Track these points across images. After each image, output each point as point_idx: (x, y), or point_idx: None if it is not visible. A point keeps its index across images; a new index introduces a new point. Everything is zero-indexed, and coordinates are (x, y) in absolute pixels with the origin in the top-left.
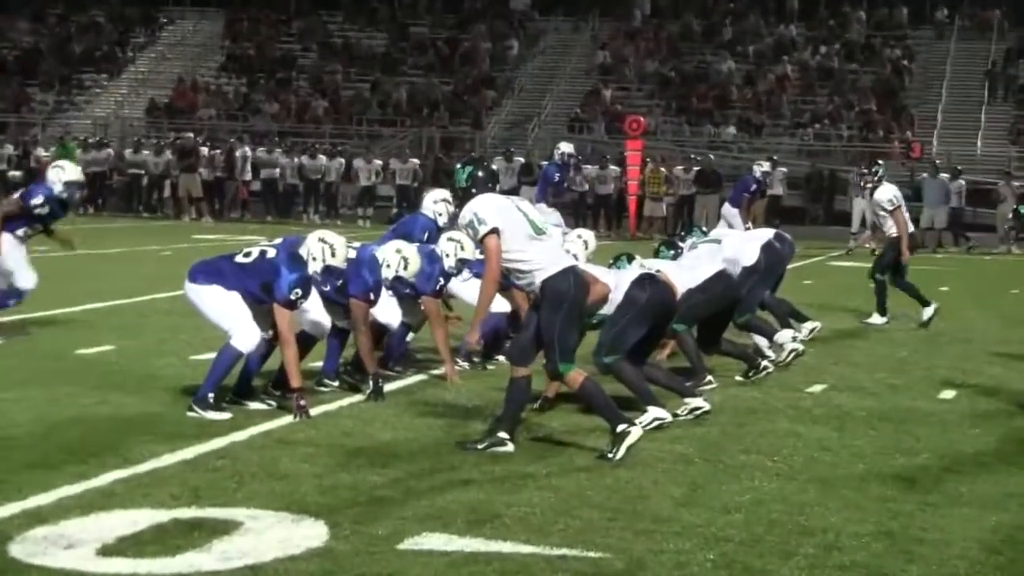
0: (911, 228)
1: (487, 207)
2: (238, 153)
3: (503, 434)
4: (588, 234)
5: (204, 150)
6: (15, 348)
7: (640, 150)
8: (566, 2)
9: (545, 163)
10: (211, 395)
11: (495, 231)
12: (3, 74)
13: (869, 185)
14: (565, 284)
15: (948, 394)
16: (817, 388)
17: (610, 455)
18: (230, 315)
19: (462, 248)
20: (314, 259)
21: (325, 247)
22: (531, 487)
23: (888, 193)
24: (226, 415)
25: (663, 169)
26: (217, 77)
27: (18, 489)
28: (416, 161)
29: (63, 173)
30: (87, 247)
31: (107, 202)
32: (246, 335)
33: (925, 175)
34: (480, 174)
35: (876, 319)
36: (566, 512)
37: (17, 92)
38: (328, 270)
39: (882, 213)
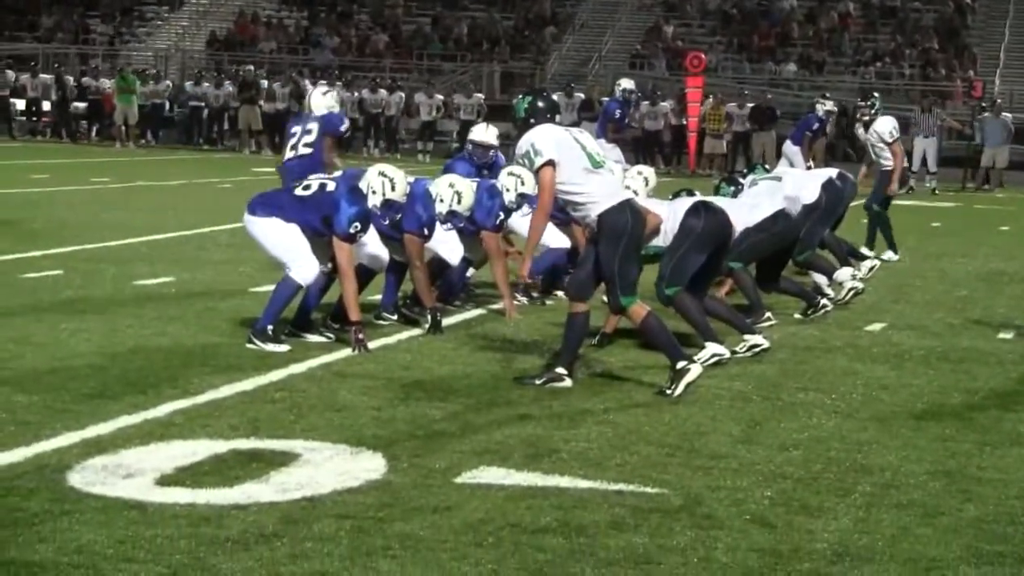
0: (906, 163)
1: (545, 138)
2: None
3: (561, 369)
4: (648, 170)
5: (264, 83)
6: (75, 279)
7: (701, 87)
8: None
9: (606, 99)
10: (270, 327)
11: (551, 163)
12: (64, 5)
13: (866, 117)
14: (623, 218)
15: (1007, 335)
16: (876, 327)
17: (668, 391)
18: (289, 248)
19: (522, 183)
20: (374, 192)
21: (385, 180)
22: (589, 422)
23: (888, 124)
24: (284, 347)
25: (723, 106)
26: (278, 10)
27: (77, 418)
28: (480, 96)
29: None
30: (147, 179)
31: (167, 134)
32: (305, 268)
33: (987, 114)
34: (540, 104)
35: (890, 255)
36: (623, 448)
37: (77, 23)
38: (388, 204)
39: (880, 145)
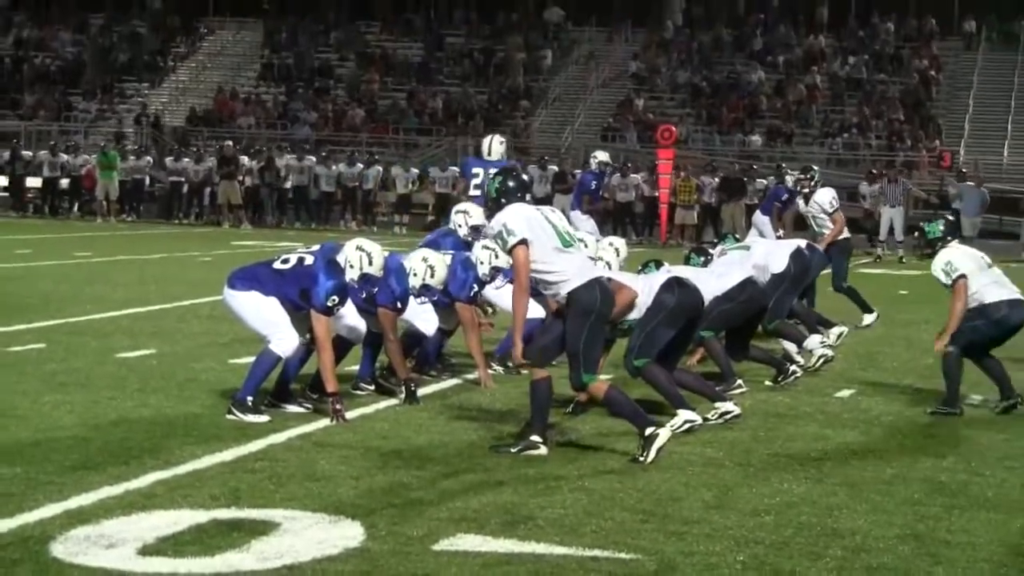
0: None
1: (516, 218)
2: (279, 162)
3: (535, 437)
4: (620, 242)
5: (244, 159)
6: (58, 352)
7: (672, 159)
8: (599, 12)
9: (579, 172)
10: (250, 398)
11: (524, 242)
12: (47, 83)
13: (806, 190)
14: (592, 296)
15: (975, 398)
16: (845, 393)
17: (641, 458)
18: (269, 320)
19: (496, 256)
20: (351, 267)
21: (363, 255)
22: (564, 489)
23: (828, 195)
24: (264, 418)
25: (693, 178)
26: (256, 86)
27: (60, 490)
28: (455, 169)
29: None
30: (128, 253)
31: (147, 209)
32: (285, 340)
33: (968, 183)
34: (510, 184)
35: (867, 318)
36: (598, 514)
37: (59, 101)
38: (365, 278)
39: (822, 216)
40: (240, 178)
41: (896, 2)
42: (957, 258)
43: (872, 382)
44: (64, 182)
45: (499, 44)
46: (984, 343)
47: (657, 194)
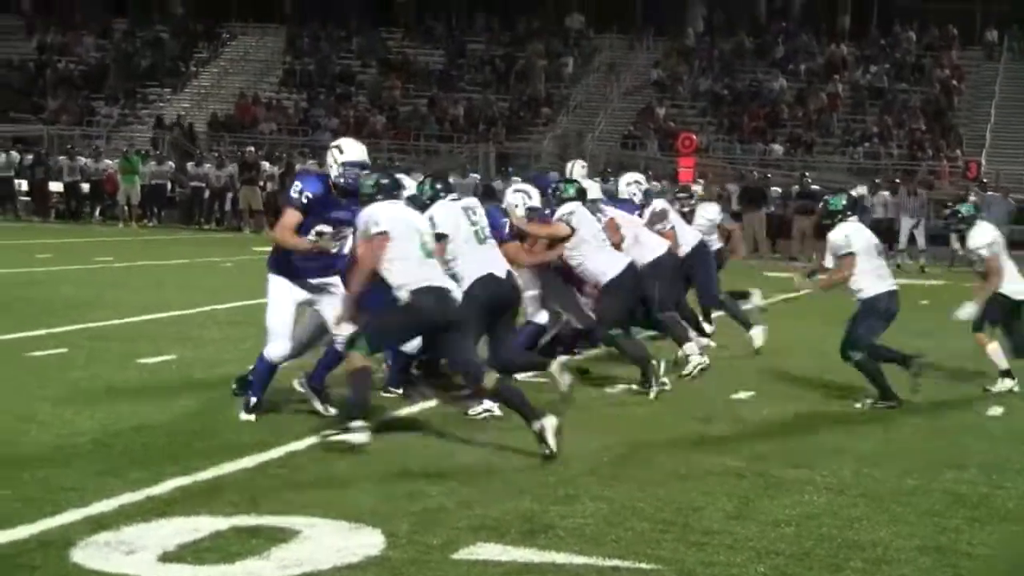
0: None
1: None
2: (300, 168)
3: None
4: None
5: (265, 164)
6: (79, 357)
7: (692, 167)
8: (620, 20)
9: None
10: (253, 400)
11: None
12: (69, 88)
13: (686, 209)
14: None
15: (996, 410)
16: (865, 403)
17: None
18: (273, 318)
19: (529, 197)
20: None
21: (334, 151)
22: (584, 498)
23: (714, 210)
24: (250, 417)
25: (714, 187)
26: (278, 92)
27: (81, 496)
28: (476, 176)
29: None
30: (149, 258)
31: (168, 214)
32: (276, 345)
33: (991, 193)
34: (384, 182)
35: (756, 338)
36: (618, 523)
37: (82, 106)
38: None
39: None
40: (261, 183)
41: (918, 11)
42: (853, 234)
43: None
44: (85, 187)
45: (520, 51)
46: (876, 336)
47: None
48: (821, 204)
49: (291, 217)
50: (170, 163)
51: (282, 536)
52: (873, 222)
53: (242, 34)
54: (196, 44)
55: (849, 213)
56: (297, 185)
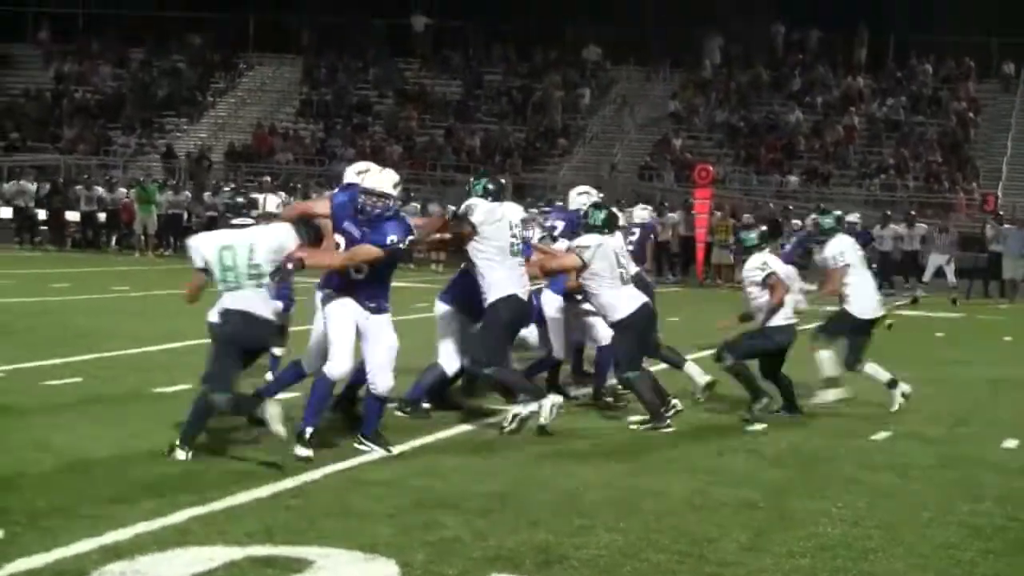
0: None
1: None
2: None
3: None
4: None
5: (281, 194)
6: (94, 386)
7: (709, 199)
8: (637, 52)
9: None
10: (310, 430)
11: None
12: (86, 117)
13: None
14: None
15: (1011, 443)
16: (881, 435)
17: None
18: (337, 334)
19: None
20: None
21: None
22: (599, 529)
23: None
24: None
25: (732, 219)
26: (295, 122)
27: (95, 524)
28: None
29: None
30: (165, 287)
31: (184, 244)
32: (340, 363)
33: (1008, 226)
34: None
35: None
36: (634, 555)
37: (99, 135)
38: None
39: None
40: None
41: (935, 44)
42: (771, 260)
43: (908, 424)
44: (101, 216)
45: (537, 82)
46: (755, 356)
47: (694, 233)
48: (734, 240)
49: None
50: (187, 192)
51: (297, 566)
52: (882, 255)
53: (259, 64)
54: (213, 74)
55: (763, 245)
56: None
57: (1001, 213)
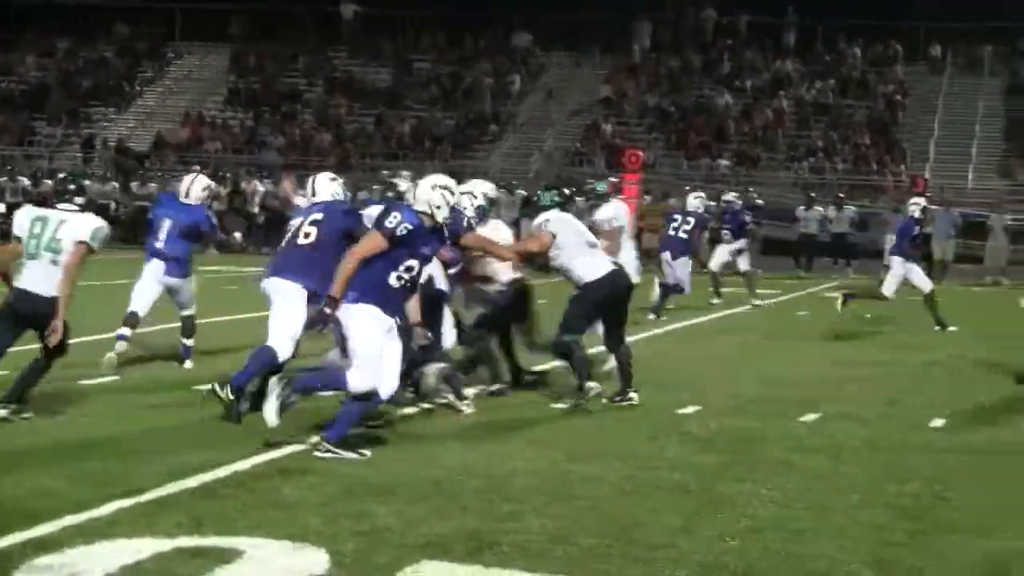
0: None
1: None
2: (247, 187)
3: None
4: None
5: (211, 184)
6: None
7: (638, 183)
8: (567, 37)
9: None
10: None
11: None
12: (11, 108)
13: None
14: None
15: (938, 422)
16: (811, 417)
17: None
18: (369, 349)
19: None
20: (438, 208)
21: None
22: (529, 515)
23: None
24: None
25: (661, 202)
26: (223, 111)
27: (23, 518)
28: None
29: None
30: (92, 278)
31: (112, 233)
32: (367, 379)
33: (935, 207)
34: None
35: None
36: (564, 539)
37: (23, 125)
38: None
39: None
40: None
41: (863, 27)
42: (554, 218)
43: (838, 406)
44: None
45: (467, 69)
46: (593, 319)
47: None
48: (536, 197)
49: (374, 244)
50: (114, 183)
51: (226, 557)
52: (807, 237)
53: (187, 53)
54: (140, 63)
55: (557, 208)
56: (396, 216)
57: (930, 195)
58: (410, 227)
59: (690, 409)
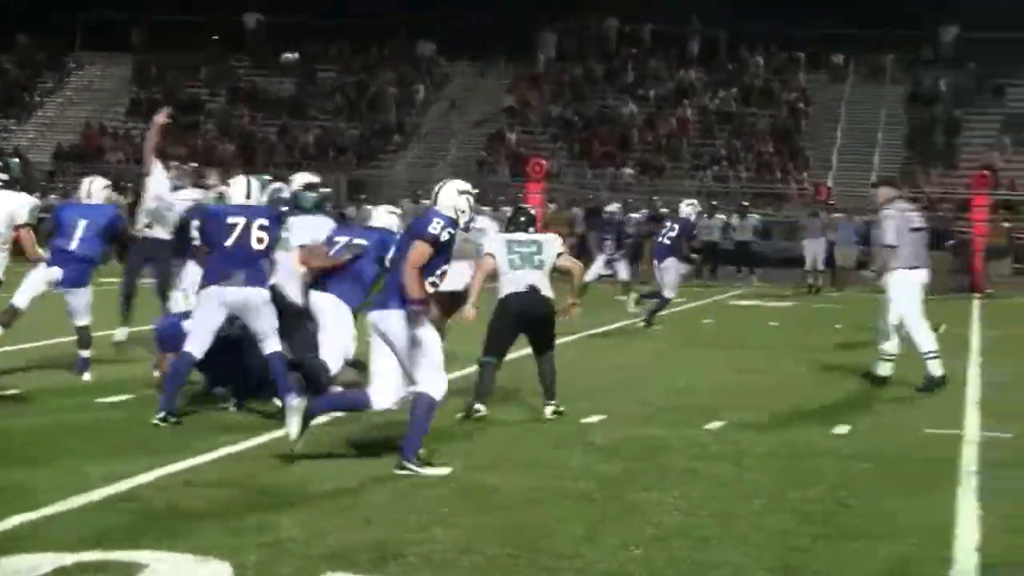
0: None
1: None
2: None
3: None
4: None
5: (113, 194)
6: None
7: (541, 192)
8: (472, 47)
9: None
10: (419, 451)
11: None
12: None
13: None
14: None
15: (842, 429)
16: (715, 425)
17: None
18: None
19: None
20: (462, 212)
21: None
22: (435, 525)
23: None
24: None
25: (565, 211)
26: (125, 122)
27: None
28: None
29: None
30: None
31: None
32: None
33: (837, 215)
34: None
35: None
36: (470, 549)
37: None
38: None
39: None
40: None
41: (765, 36)
42: (491, 238)
43: (742, 413)
44: None
45: (371, 79)
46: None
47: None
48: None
49: (425, 252)
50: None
51: (128, 571)
52: (710, 245)
53: (88, 64)
54: (41, 73)
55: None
56: (439, 222)
57: (833, 202)
58: (451, 232)
59: (595, 418)
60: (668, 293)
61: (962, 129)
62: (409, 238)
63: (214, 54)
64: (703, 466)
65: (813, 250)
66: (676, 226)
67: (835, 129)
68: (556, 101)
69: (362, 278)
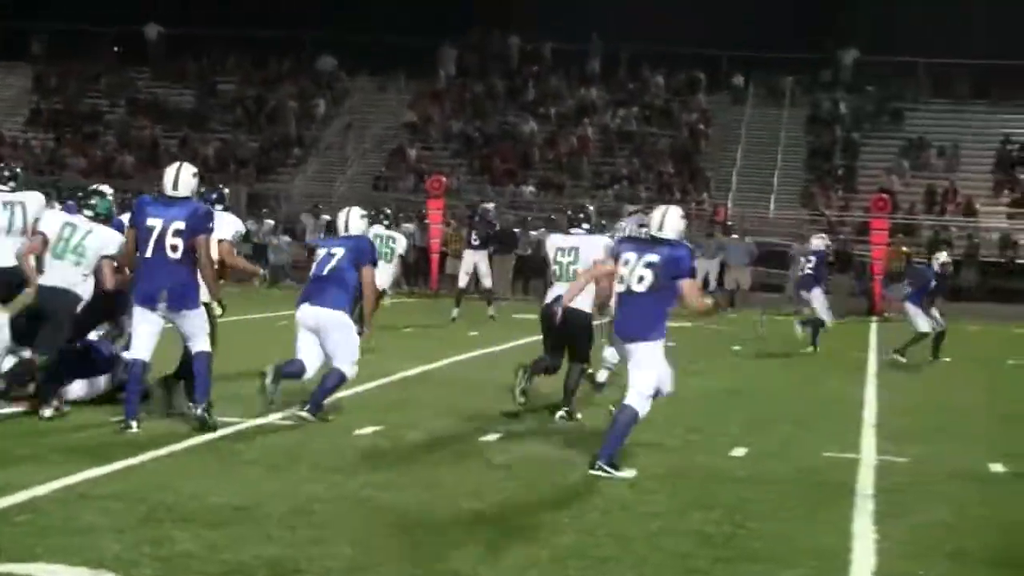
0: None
1: None
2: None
3: None
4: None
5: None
6: None
7: (441, 209)
8: (372, 62)
9: None
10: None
11: None
12: None
13: None
14: None
15: (740, 452)
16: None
17: None
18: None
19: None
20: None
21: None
22: (331, 542)
23: None
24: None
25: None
26: (24, 131)
27: None
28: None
29: None
30: None
31: None
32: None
33: (733, 236)
34: None
35: None
36: (367, 567)
37: None
38: None
39: None
40: None
41: (667, 56)
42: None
43: (641, 434)
44: None
45: (272, 92)
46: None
47: (428, 244)
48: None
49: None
50: None
51: None
52: None
53: None
54: None
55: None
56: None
57: (731, 224)
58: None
59: (492, 436)
60: (825, 316)
61: (861, 152)
62: None
63: (114, 65)
64: (601, 486)
65: (705, 270)
66: (813, 258)
67: (735, 150)
68: (457, 117)
69: (346, 284)
